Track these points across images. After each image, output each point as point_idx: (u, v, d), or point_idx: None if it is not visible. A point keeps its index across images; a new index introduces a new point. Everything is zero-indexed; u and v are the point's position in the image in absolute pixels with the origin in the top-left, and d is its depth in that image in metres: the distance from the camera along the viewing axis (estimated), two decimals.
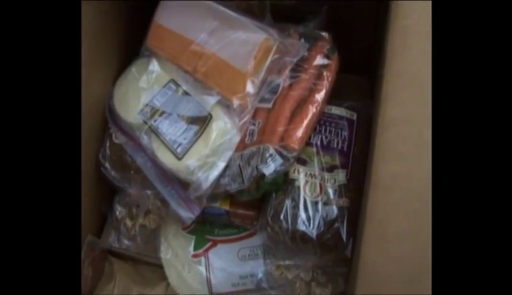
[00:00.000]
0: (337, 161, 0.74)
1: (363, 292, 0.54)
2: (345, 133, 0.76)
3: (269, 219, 0.71)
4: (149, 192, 0.79)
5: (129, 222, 0.83)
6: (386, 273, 0.54)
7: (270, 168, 0.70)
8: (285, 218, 0.70)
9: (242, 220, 0.78)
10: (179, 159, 0.74)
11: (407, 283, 0.52)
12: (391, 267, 0.54)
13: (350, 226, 0.70)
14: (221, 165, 0.74)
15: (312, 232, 0.69)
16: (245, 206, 0.77)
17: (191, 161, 0.73)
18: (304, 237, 0.69)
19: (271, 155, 0.71)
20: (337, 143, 0.75)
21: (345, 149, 0.75)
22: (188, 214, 0.75)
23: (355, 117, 0.78)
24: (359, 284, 0.55)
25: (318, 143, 0.75)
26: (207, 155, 0.73)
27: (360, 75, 0.89)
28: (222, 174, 0.74)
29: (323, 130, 0.76)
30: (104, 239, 0.86)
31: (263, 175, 0.71)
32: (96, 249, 0.84)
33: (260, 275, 0.77)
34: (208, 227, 0.81)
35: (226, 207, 0.77)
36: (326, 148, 0.74)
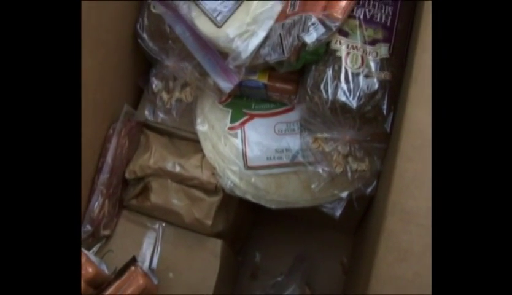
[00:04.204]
0: (380, 35, 0.72)
1: (408, 145, 0.53)
2: (390, 8, 0.74)
3: (308, 89, 0.70)
4: (187, 63, 0.78)
5: (165, 96, 0.83)
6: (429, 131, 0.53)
7: (312, 37, 0.69)
8: (325, 88, 0.69)
9: (280, 95, 0.77)
10: (219, 27, 0.72)
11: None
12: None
13: (390, 100, 0.69)
14: (262, 34, 0.72)
15: (353, 102, 0.68)
16: (283, 80, 0.76)
17: (231, 29, 0.72)
18: (344, 108, 0.68)
19: (313, 24, 0.69)
20: (381, 17, 0.73)
21: (388, 23, 0.73)
22: (226, 84, 0.74)
23: None
24: (403, 139, 0.54)
25: (361, 16, 0.72)
26: (247, 23, 0.72)
27: None
28: (262, 44, 0.73)
29: (366, 3, 0.73)
30: (139, 112, 0.86)
31: (304, 45, 0.69)
32: (132, 120, 0.84)
33: (296, 148, 0.76)
34: (245, 101, 0.80)
35: (264, 80, 0.76)
36: (369, 21, 0.72)
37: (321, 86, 0.69)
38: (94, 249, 0.80)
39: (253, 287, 1.07)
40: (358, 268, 0.78)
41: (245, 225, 1.00)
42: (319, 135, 0.73)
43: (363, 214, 0.89)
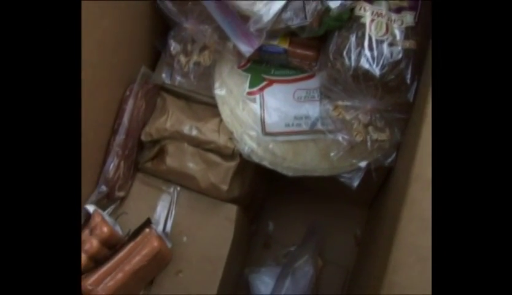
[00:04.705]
0: (405, 3, 0.70)
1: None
2: None
3: (330, 55, 0.69)
4: (206, 26, 0.77)
5: (183, 59, 0.81)
6: None
7: (336, 2, 0.68)
8: (348, 55, 0.67)
9: (300, 61, 0.76)
10: None
11: None
12: None
13: (414, 69, 0.68)
14: None
15: (376, 70, 0.66)
16: (304, 46, 0.75)
17: None
18: (366, 76, 0.67)
19: None
20: None
21: None
22: (247, 48, 0.73)
23: None
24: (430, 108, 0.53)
25: None
26: None
27: None
28: (284, 8, 0.71)
29: None
30: (156, 75, 0.85)
31: (327, 10, 0.68)
32: (150, 83, 0.83)
33: (316, 116, 0.75)
34: (264, 67, 0.79)
35: (285, 45, 0.75)
36: None
37: (344, 53, 0.68)
38: (109, 210, 0.80)
39: (266, 256, 1.07)
40: (374, 239, 0.77)
41: (260, 193, 0.99)
42: (340, 103, 0.72)
43: (379, 186, 0.88)
